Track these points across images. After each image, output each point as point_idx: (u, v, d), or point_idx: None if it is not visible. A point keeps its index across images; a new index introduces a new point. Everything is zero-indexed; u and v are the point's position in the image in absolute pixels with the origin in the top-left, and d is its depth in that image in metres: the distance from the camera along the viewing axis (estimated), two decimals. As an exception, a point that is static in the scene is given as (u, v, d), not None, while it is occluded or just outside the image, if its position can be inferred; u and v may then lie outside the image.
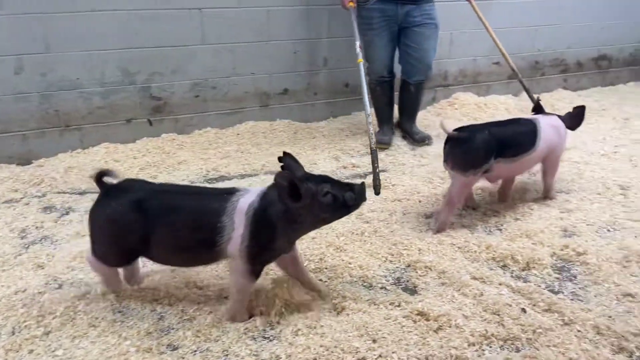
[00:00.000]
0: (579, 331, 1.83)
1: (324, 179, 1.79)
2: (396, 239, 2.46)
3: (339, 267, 2.22)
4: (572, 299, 2.03)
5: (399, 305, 1.97)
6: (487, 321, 1.86)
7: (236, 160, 3.45)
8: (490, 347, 1.76)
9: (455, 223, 2.66)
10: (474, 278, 2.15)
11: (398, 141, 3.86)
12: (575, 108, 2.89)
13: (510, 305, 1.96)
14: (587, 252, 2.32)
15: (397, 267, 2.26)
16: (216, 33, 3.73)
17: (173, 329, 1.85)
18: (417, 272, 2.22)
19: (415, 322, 1.86)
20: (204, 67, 3.77)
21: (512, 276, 2.20)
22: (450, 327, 1.83)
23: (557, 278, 2.19)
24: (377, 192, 2.84)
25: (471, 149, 2.45)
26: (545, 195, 2.89)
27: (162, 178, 3.18)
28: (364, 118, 4.27)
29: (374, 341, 1.76)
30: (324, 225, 2.00)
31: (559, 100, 4.87)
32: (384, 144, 3.71)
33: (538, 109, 2.94)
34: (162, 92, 3.70)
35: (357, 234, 2.51)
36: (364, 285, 2.12)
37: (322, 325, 1.83)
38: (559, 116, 2.86)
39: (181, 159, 3.44)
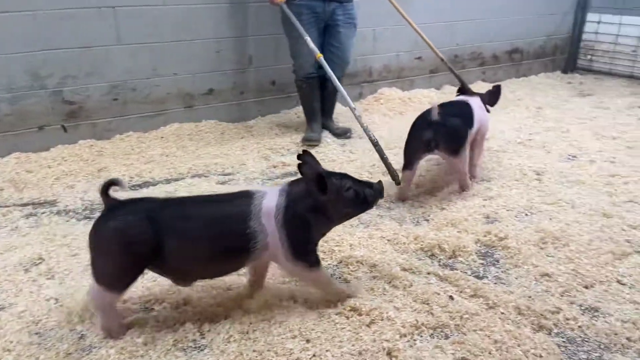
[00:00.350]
0: (502, 313, 1.91)
1: (345, 176, 1.85)
2: (328, 235, 2.46)
3: (270, 269, 2.18)
4: (495, 283, 2.13)
5: (332, 303, 1.97)
6: (417, 311, 1.91)
7: (161, 164, 3.31)
8: (421, 336, 1.80)
9: (384, 216, 2.70)
10: (404, 269, 2.20)
11: (328, 138, 3.88)
12: (493, 86, 3.24)
13: (439, 294, 2.01)
14: (507, 237, 2.43)
15: (329, 264, 2.26)
16: (133, 32, 3.57)
17: (95, 347, 1.74)
18: (349, 267, 2.23)
19: (348, 318, 1.86)
20: (122, 69, 3.60)
21: (439, 265, 2.27)
22: (382, 320, 1.85)
23: (482, 264, 2.28)
24: (397, 182, 2.81)
25: (459, 129, 2.72)
26: (472, 175, 3.05)
27: (80, 188, 3.00)
28: (293, 116, 4.30)
29: (308, 341, 1.75)
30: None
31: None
32: (313, 141, 3.71)
33: (463, 89, 3.28)
34: (76, 96, 3.49)
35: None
36: (297, 285, 2.10)
37: (255, 330, 1.80)
38: (481, 95, 3.18)
39: (101, 166, 3.26)
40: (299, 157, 1.82)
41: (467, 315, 1.88)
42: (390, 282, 2.10)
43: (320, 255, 2.30)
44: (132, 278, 1.70)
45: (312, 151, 3.52)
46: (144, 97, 3.73)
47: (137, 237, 1.62)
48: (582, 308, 1.97)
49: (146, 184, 3.08)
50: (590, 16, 5.84)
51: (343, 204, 1.82)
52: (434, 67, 5.11)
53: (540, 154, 3.53)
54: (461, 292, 2.05)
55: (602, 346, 1.78)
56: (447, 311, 1.90)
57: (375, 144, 2.96)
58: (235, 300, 1.97)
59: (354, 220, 2.63)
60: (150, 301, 1.98)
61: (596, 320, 1.89)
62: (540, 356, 1.69)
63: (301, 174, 1.78)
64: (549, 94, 5.19)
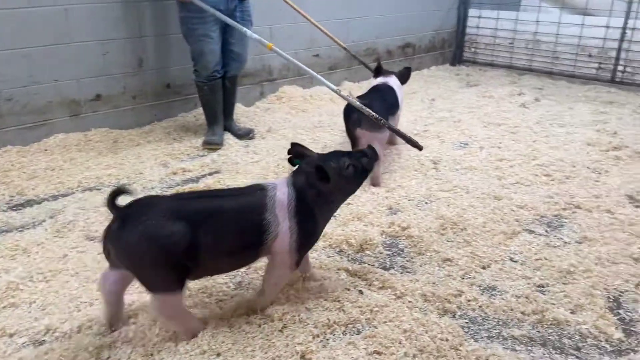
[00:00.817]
0: (410, 302, 1.97)
1: (338, 154, 1.86)
2: (234, 241, 2.39)
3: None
4: (402, 273, 2.19)
5: (243, 312, 1.91)
6: (329, 310, 1.90)
7: (46, 180, 3.02)
8: (334, 334, 1.80)
9: (292, 216, 2.68)
10: (314, 267, 2.19)
11: (230, 139, 3.77)
12: (404, 68, 3.64)
13: (349, 289, 2.03)
14: (410, 226, 2.52)
15: (237, 272, 2.19)
16: (4, 37, 3.22)
17: None
18: (258, 272, 2.18)
19: (259, 326, 1.81)
20: (-7, 77, 3.24)
21: (348, 260, 2.29)
22: (294, 323, 1.82)
23: (388, 255, 2.34)
24: (420, 148, 2.71)
25: (379, 109, 2.85)
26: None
27: (-51, 212, 2.65)
28: (191, 119, 4.13)
29: (218, 355, 1.67)
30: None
31: (376, 87, 5.26)
32: (215, 144, 3.60)
33: (379, 70, 3.56)
34: (-61, 110, 3.08)
35: (192, 243, 2.38)
36: (205, 297, 2.01)
37: (160, 350, 1.69)
38: (395, 74, 3.51)
39: (-25, 186, 2.91)
40: (288, 151, 1.87)
41: (377, 308, 1.90)
42: (301, 283, 2.08)
43: (228, 262, 2.25)
44: (183, 274, 1.63)
45: (215, 154, 3.46)
46: (21, 107, 3.38)
47: (173, 237, 1.55)
48: (481, 288, 2.08)
49: (30, 203, 2.79)
50: (472, 12, 6.25)
51: (346, 183, 1.85)
52: (333, 64, 5.18)
53: (436, 144, 3.71)
54: (370, 285, 2.08)
55: (500, 323, 1.90)
56: (358, 306, 1.92)
57: (379, 120, 2.75)
58: (136, 323, 1.84)
59: (261, 223, 2.59)
60: (40, 332, 1.80)
61: (494, 299, 2.01)
62: (447, 339, 1.76)
63: (292, 165, 1.84)
64: (440, 85, 5.48)
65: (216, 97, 3.67)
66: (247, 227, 1.70)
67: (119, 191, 1.58)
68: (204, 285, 2.06)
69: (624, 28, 5.17)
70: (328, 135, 3.83)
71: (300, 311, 1.88)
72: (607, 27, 5.26)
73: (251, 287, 2.07)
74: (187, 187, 2.96)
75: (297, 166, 1.86)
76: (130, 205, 1.62)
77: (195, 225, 1.58)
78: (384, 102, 3.10)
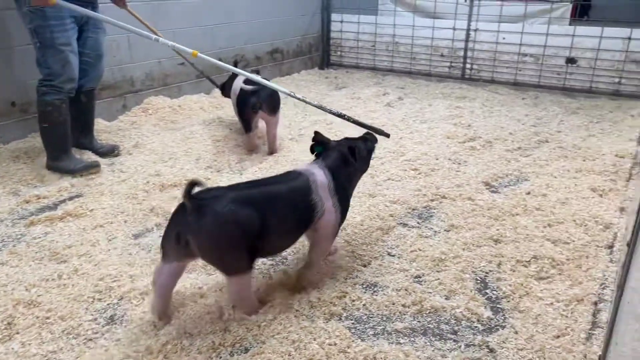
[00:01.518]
0: (297, 310, 1.95)
1: (350, 140, 2.23)
2: (103, 272, 2.18)
3: (33, 328, 1.83)
4: (288, 282, 2.15)
5: (117, 345, 1.74)
6: (213, 332, 1.81)
7: None
8: (220, 357, 1.71)
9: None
10: (192, 286, 2.07)
11: (92, 159, 3.45)
12: (252, 70, 3.76)
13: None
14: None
15: (108, 305, 2.00)
16: None
17: None
18: (132, 302, 2.01)
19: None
20: None
21: (231, 276, 2.20)
22: (176, 352, 1.70)
23: (272, 264, 2.29)
24: (387, 135, 2.69)
25: (274, 95, 3.48)
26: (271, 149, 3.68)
27: None
28: (40, 140, 3.60)
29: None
30: None
31: (248, 94, 5.21)
32: (94, 167, 3.22)
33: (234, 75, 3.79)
34: None
35: (52, 279, 2.12)
36: (71, 339, 1.79)
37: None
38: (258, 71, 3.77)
39: None
40: (313, 139, 2.16)
41: (264, 323, 1.85)
42: (180, 307, 1.95)
43: (96, 297, 2.05)
44: (253, 255, 1.81)
45: (77, 177, 3.12)
46: None
47: (248, 221, 1.73)
48: (364, 286, 2.13)
49: None
50: (335, 16, 6.47)
51: (364, 163, 2.22)
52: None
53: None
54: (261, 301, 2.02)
55: (384, 318, 1.95)
56: (244, 324, 1.85)
57: (342, 116, 2.77)
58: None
59: (133, 247, 2.41)
60: None
61: (377, 295, 2.07)
62: (335, 344, 1.76)
63: (312, 152, 2.16)
64: (311, 89, 5.59)
65: (69, 116, 3.25)
66: (300, 208, 1.92)
67: (194, 183, 1.66)
68: (68, 327, 1.84)
69: (468, 30, 5.71)
70: (201, 146, 3.69)
71: (182, 338, 1.76)
72: (454, 29, 5.76)
73: (127, 319, 1.90)
74: (43, 216, 2.64)
75: (318, 153, 2.15)
76: (202, 197, 1.72)
77: (261, 209, 1.77)
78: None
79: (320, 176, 1.98)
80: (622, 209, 2.76)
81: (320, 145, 2.15)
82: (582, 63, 5.20)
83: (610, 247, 2.40)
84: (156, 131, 4.01)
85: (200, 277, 2.16)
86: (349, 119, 2.79)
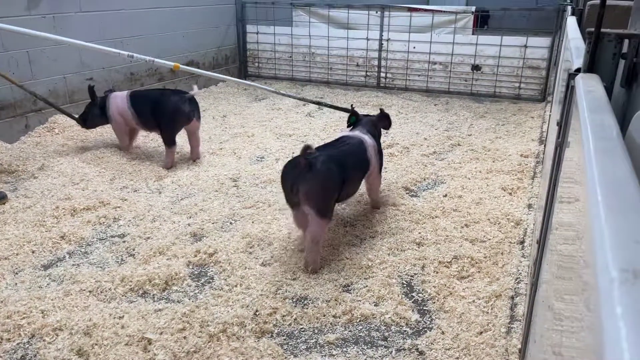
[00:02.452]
0: (224, 332, 1.88)
1: (369, 116, 2.99)
2: (10, 309, 1.99)
3: None
4: (215, 305, 2.07)
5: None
6: (137, 364, 1.71)
7: None
8: (147, 390, 1.62)
9: (81, 264, 2.36)
10: (115, 317, 1.95)
11: (-9, 185, 3.17)
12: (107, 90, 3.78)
13: (162, 334, 1.85)
14: (217, 251, 2.44)
15: (18, 345, 1.83)
16: None
17: None
18: (45, 340, 1.85)
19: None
20: None
21: (154, 301, 2.10)
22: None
23: (197, 286, 2.21)
24: (350, 111, 3.02)
25: (194, 101, 3.56)
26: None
27: None
28: None
29: None
30: None
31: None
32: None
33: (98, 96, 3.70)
34: None
35: (-52, 323, 1.90)
36: None
37: None
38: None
39: None
40: (349, 110, 3.00)
41: (193, 349, 1.78)
42: (96, 343, 1.82)
43: (4, 337, 1.87)
44: (334, 204, 2.43)
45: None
46: None
47: (339, 175, 2.33)
48: (294, 300, 2.11)
49: None
50: (250, 27, 6.44)
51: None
52: (111, 85, 4.78)
53: (233, 161, 3.69)
54: (192, 326, 1.93)
55: (316, 331, 1.94)
56: (170, 352, 1.76)
57: (320, 103, 3.58)
58: None
59: (42, 279, 2.23)
60: None
61: (307, 308, 2.06)
62: (268, 363, 1.73)
63: (349, 124, 2.92)
64: (230, 101, 5.51)
65: None
66: (363, 163, 2.59)
67: (308, 147, 2.22)
68: None
69: (380, 40, 5.91)
70: (116, 166, 3.50)
71: (104, 374, 1.64)
72: (367, 39, 5.94)
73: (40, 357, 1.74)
74: None
75: (353, 123, 2.89)
76: (313, 156, 2.26)
77: (342, 166, 2.36)
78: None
79: (367, 139, 2.68)
80: (529, 206, 2.96)
81: (354, 116, 2.90)
82: (486, 70, 5.56)
83: (522, 242, 2.57)
84: (64, 151, 3.76)
85: (121, 306, 2.04)
86: (325, 105, 3.56)
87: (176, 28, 5.51)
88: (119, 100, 3.59)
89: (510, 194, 3.14)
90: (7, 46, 3.27)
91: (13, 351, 1.81)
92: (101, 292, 2.14)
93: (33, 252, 2.45)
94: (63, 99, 4.34)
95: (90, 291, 2.13)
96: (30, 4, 3.94)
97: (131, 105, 3.55)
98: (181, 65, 3.14)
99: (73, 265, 2.35)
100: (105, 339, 1.82)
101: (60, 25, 4.20)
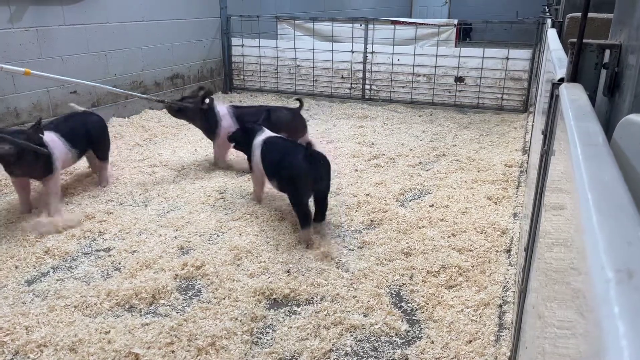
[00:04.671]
0: (211, 345, 1.86)
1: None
2: (-9, 326, 1.95)
3: None
4: (204, 318, 2.04)
5: None
6: (125, 379, 1.68)
7: None
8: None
9: (66, 278, 2.32)
10: (98, 331, 1.91)
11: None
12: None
13: (148, 348, 1.83)
14: (205, 264, 2.41)
15: (6, 359, 1.79)
16: None
17: None
18: (29, 357, 1.81)
19: None
20: None
21: (141, 315, 2.07)
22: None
23: (185, 299, 2.19)
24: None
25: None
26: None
27: None
28: None
29: None
30: None
31: (147, 121, 5.01)
32: None
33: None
34: None
35: None
36: None
37: None
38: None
39: None
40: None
41: (180, 362, 1.75)
42: (87, 357, 1.79)
43: (-16, 355, 1.83)
44: None
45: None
46: None
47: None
48: (283, 312, 2.10)
49: None
50: (235, 40, 6.46)
51: None
52: (95, 100, 4.75)
53: (220, 173, 3.68)
54: (178, 340, 1.91)
55: (306, 342, 1.93)
56: (159, 366, 1.73)
57: (163, 101, 3.25)
58: None
59: (26, 295, 2.18)
60: None
61: (297, 320, 2.04)
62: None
63: None
64: (215, 114, 5.49)
65: None
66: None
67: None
68: None
69: (365, 52, 5.97)
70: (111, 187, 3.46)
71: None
72: (352, 51, 6.00)
73: None
74: None
75: None
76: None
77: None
78: None
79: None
80: (515, 215, 3.00)
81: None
82: (469, 81, 5.65)
83: (508, 251, 2.59)
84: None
85: (107, 321, 2.00)
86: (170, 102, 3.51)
87: (161, 41, 5.50)
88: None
89: (495, 203, 3.17)
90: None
91: None
92: (87, 307, 2.10)
93: (16, 267, 2.40)
94: (46, 112, 4.29)
95: (75, 306, 2.09)
96: (14, 16, 3.91)
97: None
98: (32, 71, 2.89)
99: (57, 280, 2.30)
100: (91, 355, 1.79)
101: (44, 38, 4.17)
